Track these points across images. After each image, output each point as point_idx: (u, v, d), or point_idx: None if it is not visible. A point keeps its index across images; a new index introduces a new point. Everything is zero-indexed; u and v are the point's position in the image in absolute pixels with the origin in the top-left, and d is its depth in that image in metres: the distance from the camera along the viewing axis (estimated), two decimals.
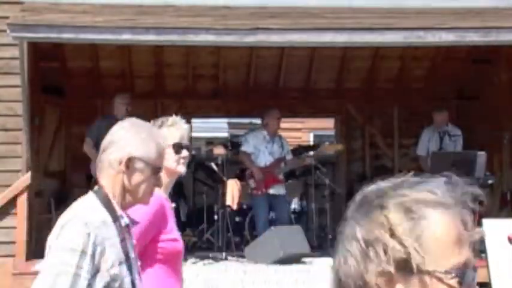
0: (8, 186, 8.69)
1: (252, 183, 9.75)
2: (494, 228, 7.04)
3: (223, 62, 11.51)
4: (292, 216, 10.65)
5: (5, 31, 8.25)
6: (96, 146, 9.27)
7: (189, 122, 13.52)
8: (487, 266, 6.88)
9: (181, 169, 3.57)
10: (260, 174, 9.64)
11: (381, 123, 12.07)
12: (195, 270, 8.12)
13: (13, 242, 8.55)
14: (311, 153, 10.06)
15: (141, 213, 2.96)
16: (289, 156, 9.93)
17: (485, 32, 8.70)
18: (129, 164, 2.62)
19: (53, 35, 8.37)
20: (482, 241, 7.63)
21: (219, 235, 9.82)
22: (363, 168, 12.06)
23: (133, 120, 2.83)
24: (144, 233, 3.16)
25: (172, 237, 3.43)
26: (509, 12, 9.36)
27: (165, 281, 3.36)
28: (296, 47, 10.16)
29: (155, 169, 2.67)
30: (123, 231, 2.60)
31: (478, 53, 11.13)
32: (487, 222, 7.19)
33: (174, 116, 3.71)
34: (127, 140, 2.65)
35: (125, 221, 2.63)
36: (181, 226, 10.74)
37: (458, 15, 9.20)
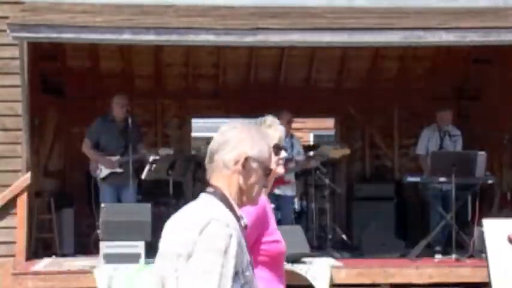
0: (8, 186, 8.69)
1: None
2: (494, 228, 7.04)
3: (223, 62, 11.51)
4: (292, 216, 10.64)
5: (5, 31, 8.25)
6: (95, 146, 9.28)
7: (189, 122, 13.51)
8: (487, 266, 6.88)
9: (281, 170, 3.56)
10: None
11: (380, 123, 12.07)
12: None
13: (13, 242, 8.54)
14: (311, 153, 10.02)
15: (245, 214, 2.90)
16: (299, 157, 9.86)
17: (485, 32, 8.70)
18: (245, 163, 2.61)
19: (53, 35, 8.36)
20: (482, 241, 7.61)
21: None
22: (363, 168, 12.06)
23: (241, 121, 2.78)
24: (248, 235, 3.06)
25: (274, 238, 3.40)
26: (509, 12, 9.35)
27: (269, 283, 3.32)
28: (296, 47, 10.15)
29: (267, 169, 2.67)
30: (244, 232, 2.60)
31: (478, 53, 11.13)
32: (487, 222, 7.19)
33: (271, 117, 3.71)
34: (241, 140, 2.61)
35: (244, 221, 2.63)
36: None
37: (458, 15, 9.19)
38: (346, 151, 9.86)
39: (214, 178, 2.63)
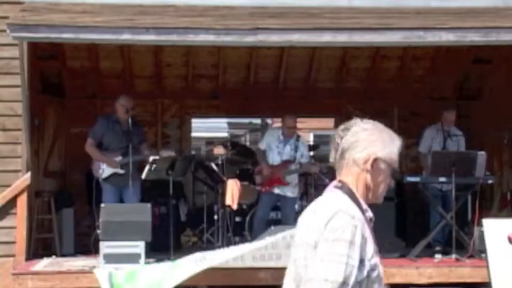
0: (8, 186, 8.69)
1: (258, 179, 9.84)
2: (494, 228, 7.04)
3: (223, 62, 11.51)
4: (294, 217, 10.64)
5: (5, 31, 8.24)
6: (99, 145, 9.25)
7: (189, 122, 13.47)
8: (487, 266, 6.88)
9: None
10: (267, 172, 9.67)
11: (380, 123, 12.04)
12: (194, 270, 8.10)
13: (13, 242, 8.54)
14: (312, 161, 10.07)
15: None
16: (303, 160, 9.85)
17: (485, 32, 8.70)
18: (374, 164, 2.80)
19: (53, 35, 8.36)
20: (482, 241, 7.59)
21: (219, 235, 9.82)
22: None
23: (373, 122, 3.01)
24: None
25: None
26: (509, 12, 9.36)
27: None
28: (296, 47, 10.15)
29: (393, 170, 2.86)
30: (369, 224, 2.76)
31: (479, 53, 11.13)
32: (487, 222, 7.19)
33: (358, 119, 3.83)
34: (372, 141, 2.83)
35: (369, 214, 2.79)
36: (181, 226, 10.77)
37: (458, 15, 9.19)
38: None
39: (343, 174, 2.84)
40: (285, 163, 9.74)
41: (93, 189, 9.18)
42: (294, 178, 9.81)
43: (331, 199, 2.78)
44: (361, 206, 2.76)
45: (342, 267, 2.56)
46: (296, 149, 9.81)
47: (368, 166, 2.78)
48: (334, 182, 2.85)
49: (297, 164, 9.77)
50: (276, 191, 9.72)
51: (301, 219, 2.83)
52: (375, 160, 2.79)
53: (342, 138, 2.85)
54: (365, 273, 2.62)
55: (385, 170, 2.82)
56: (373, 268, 2.66)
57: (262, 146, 9.99)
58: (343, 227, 2.61)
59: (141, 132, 9.60)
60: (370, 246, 2.67)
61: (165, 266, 8.01)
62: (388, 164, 2.83)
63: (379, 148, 2.82)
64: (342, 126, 3.01)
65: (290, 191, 9.75)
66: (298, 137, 9.97)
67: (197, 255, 7.96)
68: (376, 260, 2.69)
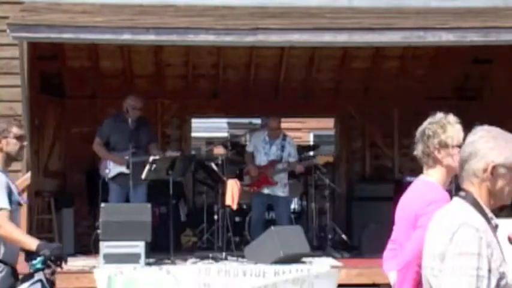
0: None
1: (246, 180, 9.88)
2: None
3: (223, 62, 11.51)
4: (292, 216, 10.65)
5: (5, 31, 8.25)
6: (106, 144, 9.23)
7: (189, 122, 13.45)
8: None
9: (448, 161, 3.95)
10: (254, 173, 9.71)
11: (380, 123, 12.07)
12: (195, 270, 8.11)
13: None
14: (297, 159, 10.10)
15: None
16: (291, 159, 9.87)
17: (485, 32, 8.70)
18: (493, 171, 2.81)
19: (53, 35, 8.36)
20: None
21: (219, 235, 9.82)
22: (363, 168, 12.06)
23: (488, 128, 2.97)
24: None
25: None
26: (509, 12, 9.36)
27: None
28: (296, 47, 10.16)
29: None
30: (495, 232, 2.82)
31: (479, 53, 11.13)
32: None
33: (445, 115, 3.97)
34: (488, 150, 2.83)
35: (494, 221, 2.85)
36: (181, 226, 10.78)
37: (458, 15, 9.20)
38: (329, 159, 9.98)
39: (466, 184, 2.87)
40: (272, 163, 9.78)
41: (95, 188, 9.18)
42: (282, 177, 9.83)
43: (456, 210, 2.82)
44: (486, 215, 2.80)
45: (473, 280, 2.62)
46: (283, 148, 9.87)
47: (488, 175, 2.80)
48: (422, 177, 2.92)
49: (285, 163, 9.81)
50: (266, 191, 9.75)
51: (430, 228, 2.88)
52: (494, 168, 2.80)
53: (434, 132, 2.91)
54: (494, 282, 2.67)
55: (505, 175, 2.82)
56: (501, 276, 2.70)
57: (249, 148, 10.11)
58: (469, 241, 2.67)
59: (150, 132, 9.57)
60: (498, 255, 2.72)
61: (165, 277, 7.94)
62: (509, 168, 2.82)
63: (496, 155, 2.81)
64: (429, 119, 3.06)
65: (280, 191, 9.78)
66: (285, 136, 10.04)
67: (200, 280, 7.92)
68: (505, 268, 2.73)
